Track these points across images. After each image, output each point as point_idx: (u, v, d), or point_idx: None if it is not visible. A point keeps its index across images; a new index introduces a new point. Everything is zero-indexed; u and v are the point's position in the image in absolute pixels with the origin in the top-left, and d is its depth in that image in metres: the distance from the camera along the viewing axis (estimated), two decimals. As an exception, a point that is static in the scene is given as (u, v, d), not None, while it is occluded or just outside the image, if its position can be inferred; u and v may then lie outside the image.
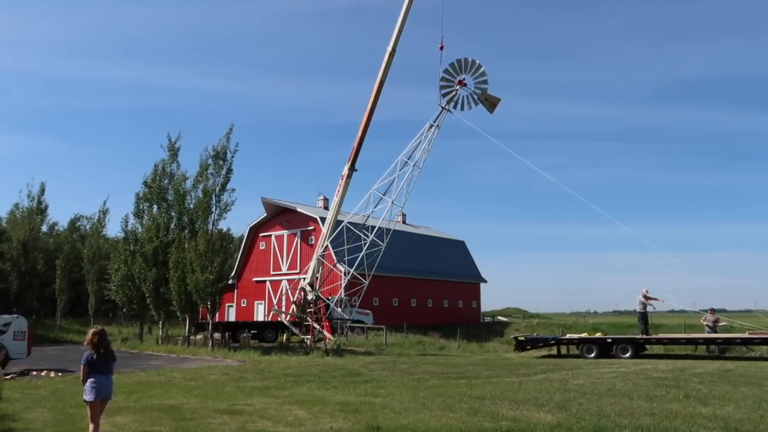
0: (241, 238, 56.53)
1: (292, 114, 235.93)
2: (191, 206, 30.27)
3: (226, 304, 48.37)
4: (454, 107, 30.39)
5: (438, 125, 30.37)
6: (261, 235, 51.07)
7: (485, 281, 60.47)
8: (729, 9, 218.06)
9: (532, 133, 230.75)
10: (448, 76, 30.20)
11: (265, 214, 50.35)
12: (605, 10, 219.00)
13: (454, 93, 30.26)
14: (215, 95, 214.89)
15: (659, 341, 24.54)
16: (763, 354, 23.84)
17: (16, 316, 21.13)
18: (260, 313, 48.04)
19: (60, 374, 18.36)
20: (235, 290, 50.89)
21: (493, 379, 16.02)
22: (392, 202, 30.58)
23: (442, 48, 29.56)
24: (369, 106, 30.75)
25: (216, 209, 29.37)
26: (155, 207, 31.94)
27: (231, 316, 50.45)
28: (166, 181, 31.89)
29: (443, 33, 29.74)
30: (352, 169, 31.16)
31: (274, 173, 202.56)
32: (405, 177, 30.44)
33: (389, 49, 29.98)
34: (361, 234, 31.11)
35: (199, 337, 31.83)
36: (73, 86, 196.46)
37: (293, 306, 32.79)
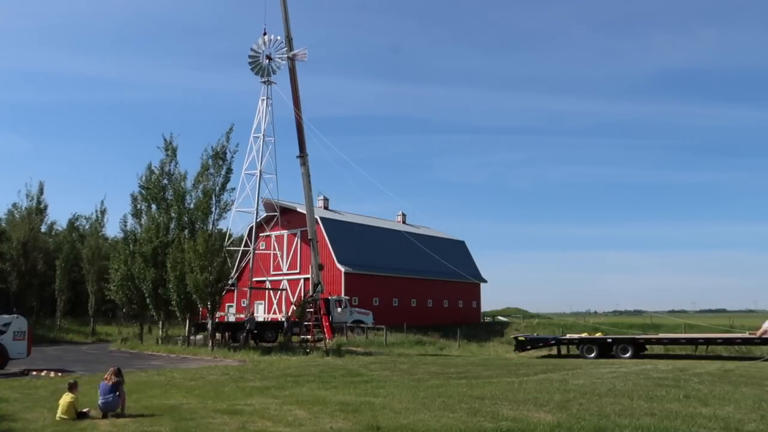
0: (241, 238, 56.37)
1: (291, 112, 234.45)
2: (191, 206, 30.23)
3: (226, 304, 48.31)
4: (270, 76, 36.29)
5: (269, 97, 36.65)
6: (261, 235, 50.98)
7: (485, 281, 60.45)
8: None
9: (505, 128, 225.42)
10: (252, 60, 36.23)
11: (265, 214, 50.28)
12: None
13: (265, 67, 36.09)
14: (215, 93, 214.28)
15: (659, 341, 24.56)
16: (763, 354, 23.85)
17: (16, 316, 21.10)
18: (260, 313, 47.98)
19: (60, 374, 18.34)
20: (235, 290, 50.77)
21: (493, 379, 16.01)
22: (260, 171, 36.14)
23: (265, 34, 35.62)
24: (291, 88, 35.16)
25: (216, 209, 29.37)
26: (154, 207, 31.90)
27: (231, 316, 50.36)
28: (165, 180, 31.85)
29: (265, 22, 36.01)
30: (303, 156, 35.41)
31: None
32: (260, 149, 36.30)
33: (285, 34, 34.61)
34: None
35: (199, 337, 31.81)
36: (31, 80, 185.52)
37: (293, 306, 32.86)
